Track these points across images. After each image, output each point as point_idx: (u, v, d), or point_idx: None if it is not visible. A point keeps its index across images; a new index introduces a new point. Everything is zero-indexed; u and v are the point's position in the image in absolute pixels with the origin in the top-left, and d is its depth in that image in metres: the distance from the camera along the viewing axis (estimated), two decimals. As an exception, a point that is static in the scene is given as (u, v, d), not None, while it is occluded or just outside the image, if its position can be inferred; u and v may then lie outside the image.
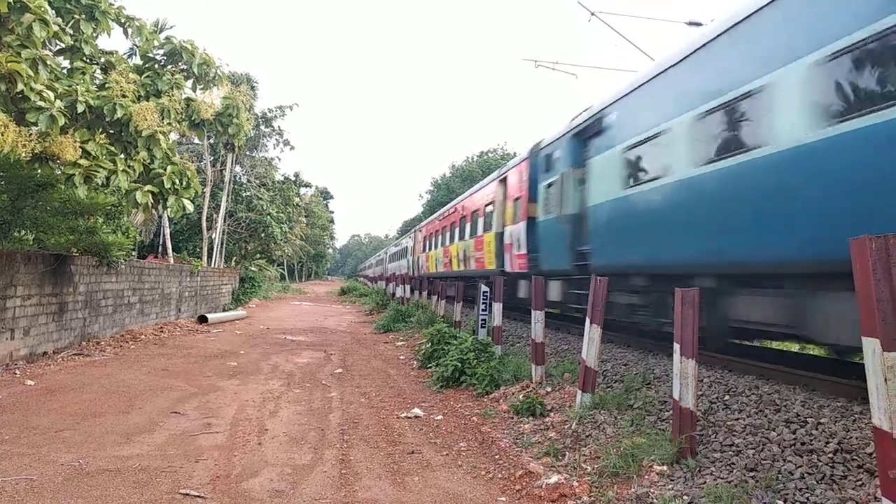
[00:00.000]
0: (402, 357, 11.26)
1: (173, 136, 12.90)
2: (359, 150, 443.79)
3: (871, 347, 2.70)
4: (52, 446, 5.02)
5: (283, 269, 54.30)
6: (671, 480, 4.03)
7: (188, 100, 11.31)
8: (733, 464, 4.03)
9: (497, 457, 5.16)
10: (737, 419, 4.75)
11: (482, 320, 10.08)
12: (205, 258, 24.37)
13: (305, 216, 47.78)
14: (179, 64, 11.47)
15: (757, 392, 5.32)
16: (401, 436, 5.83)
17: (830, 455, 3.79)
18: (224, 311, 20.56)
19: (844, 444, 3.88)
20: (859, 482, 3.49)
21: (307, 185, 45.66)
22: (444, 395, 7.79)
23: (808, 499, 3.42)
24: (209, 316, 17.38)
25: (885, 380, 2.63)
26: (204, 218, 25.10)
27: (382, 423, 6.33)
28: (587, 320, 5.89)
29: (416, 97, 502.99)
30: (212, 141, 24.39)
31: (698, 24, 13.05)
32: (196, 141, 24.85)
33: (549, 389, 6.97)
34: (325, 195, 67.90)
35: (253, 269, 30.68)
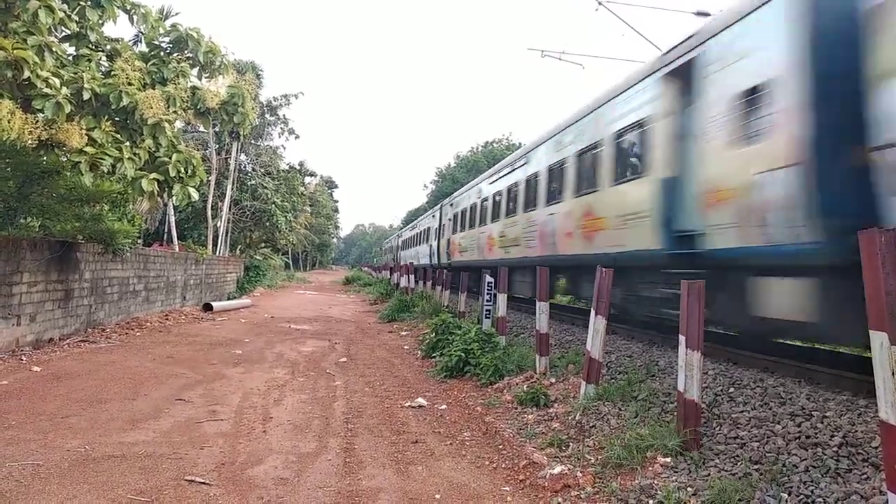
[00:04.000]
0: (406, 347, 11.29)
1: (179, 125, 12.89)
2: (363, 139, 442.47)
3: (878, 341, 2.68)
4: (59, 432, 5.06)
5: (288, 258, 54.38)
6: (675, 472, 4.03)
7: (194, 88, 11.28)
8: (738, 456, 4.03)
9: (501, 447, 5.17)
10: (741, 412, 4.74)
11: (486, 311, 10.09)
12: (210, 246, 24.40)
13: (310, 205, 47.75)
14: (185, 52, 11.42)
15: (762, 385, 5.31)
16: (405, 425, 5.85)
17: (835, 448, 3.79)
18: (229, 299, 20.62)
19: (850, 438, 3.87)
20: (864, 476, 3.48)
21: (312, 174, 45.61)
22: (448, 384, 7.81)
23: (812, 492, 3.41)
24: (214, 304, 17.44)
25: (893, 373, 2.61)
26: (209, 206, 25.09)
27: (386, 412, 6.35)
28: (592, 312, 5.88)
29: (421, 87, 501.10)
30: (217, 129, 24.29)
31: (706, 14, 12.72)
32: (201, 129, 24.78)
33: (553, 380, 6.97)
34: (330, 184, 67.73)
35: (258, 257, 30.74)
